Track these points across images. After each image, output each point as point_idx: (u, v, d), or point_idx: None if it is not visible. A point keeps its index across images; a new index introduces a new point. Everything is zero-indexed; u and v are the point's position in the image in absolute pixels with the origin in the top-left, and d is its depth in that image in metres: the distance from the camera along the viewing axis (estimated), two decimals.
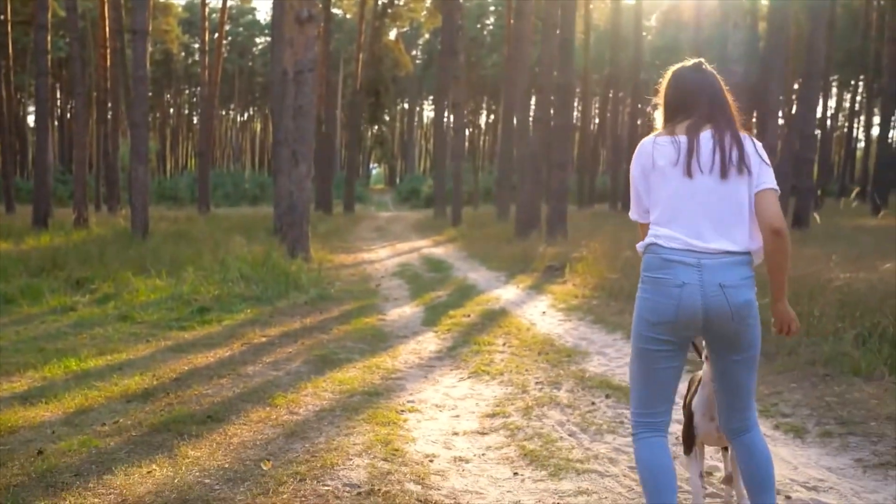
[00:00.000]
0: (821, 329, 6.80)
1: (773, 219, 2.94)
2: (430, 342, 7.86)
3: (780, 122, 39.80)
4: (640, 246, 3.08)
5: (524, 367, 6.61)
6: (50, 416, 5.06)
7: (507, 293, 11.36)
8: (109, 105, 29.93)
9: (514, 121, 23.60)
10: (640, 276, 3.03)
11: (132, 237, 17.09)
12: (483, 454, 4.44)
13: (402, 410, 5.29)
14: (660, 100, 3.17)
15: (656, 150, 3.01)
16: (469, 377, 6.35)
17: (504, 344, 7.61)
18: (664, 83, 3.15)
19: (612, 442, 4.64)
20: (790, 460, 4.34)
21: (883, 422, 4.93)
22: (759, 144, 3.03)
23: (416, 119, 78.45)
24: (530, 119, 23.73)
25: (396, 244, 21.64)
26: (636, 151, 3.09)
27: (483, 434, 4.83)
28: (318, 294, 10.73)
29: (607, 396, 5.61)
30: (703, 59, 3.13)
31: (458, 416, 5.25)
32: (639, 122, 36.93)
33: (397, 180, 72.44)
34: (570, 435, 4.76)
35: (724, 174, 2.93)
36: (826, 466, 4.26)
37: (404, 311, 9.84)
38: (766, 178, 2.97)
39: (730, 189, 2.94)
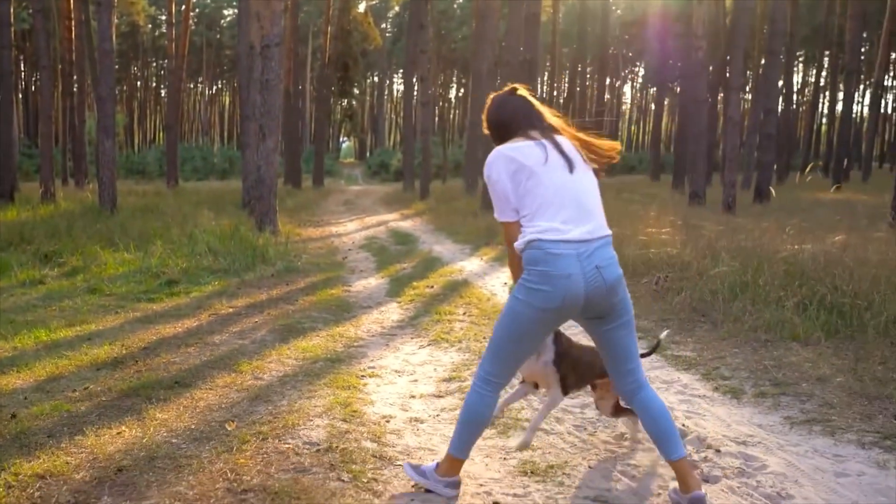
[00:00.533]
0: (764, 297, 7.12)
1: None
2: (393, 312, 8.10)
3: (749, 97, 40.30)
4: (519, 244, 3.30)
5: (482, 335, 6.87)
6: (21, 384, 5.24)
7: (470, 265, 11.62)
8: (75, 78, 29.63)
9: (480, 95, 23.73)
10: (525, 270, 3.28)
11: (100, 211, 17.11)
12: (437, 415, 4.70)
13: (363, 375, 5.54)
14: (490, 126, 3.51)
15: (519, 153, 3.30)
16: (429, 345, 6.61)
17: (464, 314, 7.86)
18: (489, 111, 3.51)
19: (560, 405, 4.90)
20: (725, 419, 4.64)
21: (813, 383, 5.25)
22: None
23: (387, 93, 78.30)
24: None
25: (365, 218, 21.80)
26: (493, 159, 3.34)
27: (439, 397, 5.09)
28: (285, 267, 10.91)
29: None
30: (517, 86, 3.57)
31: (416, 380, 5.51)
32: (606, 97, 37.23)
33: (367, 154, 72.37)
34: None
35: (578, 169, 3.36)
36: (757, 424, 4.56)
37: (369, 283, 10.06)
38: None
39: (588, 181, 3.39)
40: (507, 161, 3.29)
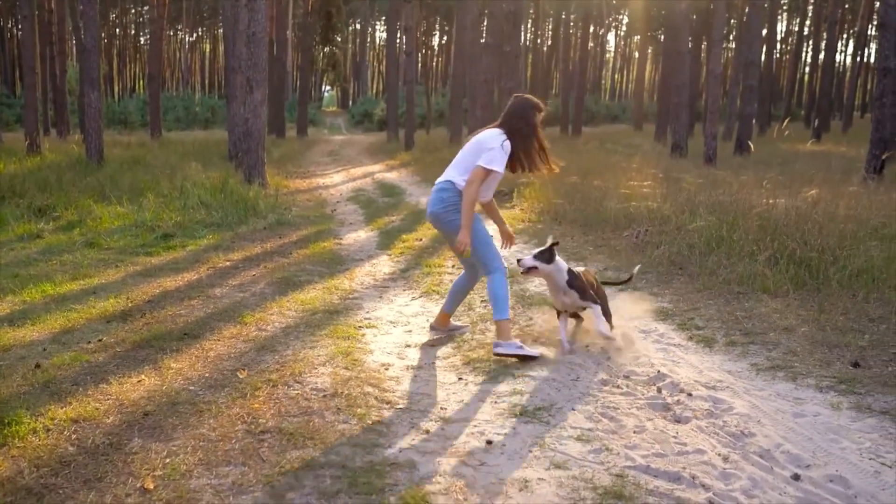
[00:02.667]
0: (738, 252, 7.50)
1: (471, 180, 5.11)
2: (384, 265, 8.43)
3: (732, 45, 40.35)
4: None
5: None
6: (38, 336, 5.55)
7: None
8: (55, 27, 29.40)
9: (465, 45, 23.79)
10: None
11: (88, 164, 17.25)
12: (432, 363, 5.07)
13: (360, 326, 5.89)
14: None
15: None
16: (421, 296, 6.96)
17: (453, 266, 8.20)
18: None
19: (545, 353, 5.28)
20: (697, 365, 5.03)
21: (780, 332, 5.65)
22: (494, 136, 5.14)
23: (369, 41, 77.64)
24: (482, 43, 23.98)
25: (350, 169, 22.03)
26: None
27: (433, 346, 5.45)
28: (276, 220, 11.20)
29: (544, 313, 6.25)
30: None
31: (410, 331, 5.86)
32: (590, 45, 37.26)
33: (350, 103, 72.04)
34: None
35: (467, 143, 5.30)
36: (727, 370, 4.95)
37: (359, 236, 10.38)
38: (482, 158, 5.08)
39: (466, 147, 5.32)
40: None
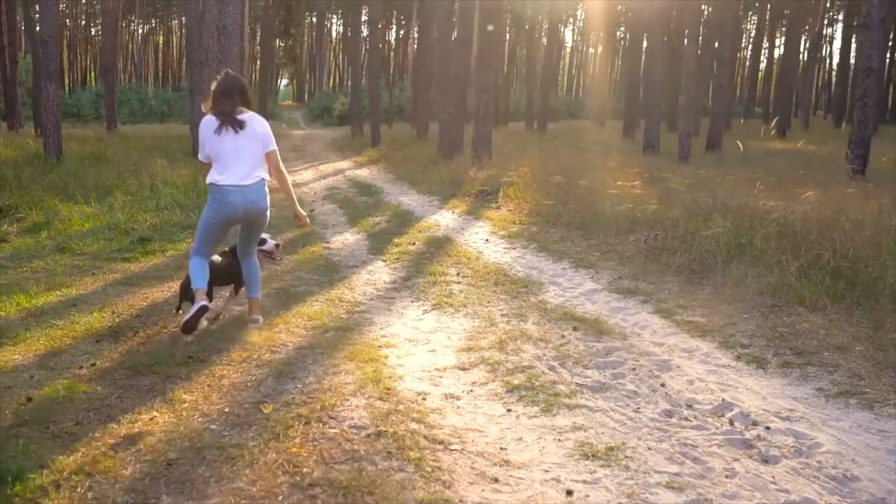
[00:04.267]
0: (765, 260, 7.13)
1: (277, 166, 5.55)
2: (382, 272, 7.91)
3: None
4: (208, 180, 5.45)
5: (484, 298, 6.74)
6: (21, 360, 4.95)
7: (444, 219, 11.45)
8: (4, 16, 28.19)
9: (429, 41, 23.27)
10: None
11: (46, 160, 16.42)
12: (471, 390, 4.58)
13: (379, 346, 5.37)
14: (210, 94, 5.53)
15: (207, 123, 5.41)
16: (432, 309, 6.46)
17: (458, 274, 7.73)
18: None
19: (592, 375, 4.83)
20: (758, 391, 4.62)
21: (834, 352, 5.27)
22: (263, 120, 5.53)
23: (325, 34, 76.57)
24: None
25: (318, 166, 21.41)
26: (204, 121, 5.46)
27: (464, 370, 4.96)
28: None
29: (575, 329, 5.81)
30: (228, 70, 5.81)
31: (433, 350, 5.37)
32: (543, 40, 37.00)
33: (306, 97, 70.96)
34: (550, 369, 4.93)
35: (240, 136, 5.32)
36: (792, 396, 4.54)
37: (347, 239, 9.84)
38: (270, 144, 5.49)
39: (249, 145, 5.36)
40: (206, 126, 5.43)
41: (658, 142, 22.38)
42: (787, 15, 40.21)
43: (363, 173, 19.04)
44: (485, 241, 9.70)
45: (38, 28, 27.65)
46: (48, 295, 6.73)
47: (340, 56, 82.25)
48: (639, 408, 4.34)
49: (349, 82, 75.12)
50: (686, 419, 4.19)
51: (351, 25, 33.02)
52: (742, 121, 48.07)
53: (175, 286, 7.15)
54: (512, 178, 14.19)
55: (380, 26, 50.84)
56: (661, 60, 23.60)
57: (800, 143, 28.05)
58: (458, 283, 7.37)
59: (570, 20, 77.70)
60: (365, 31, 29.60)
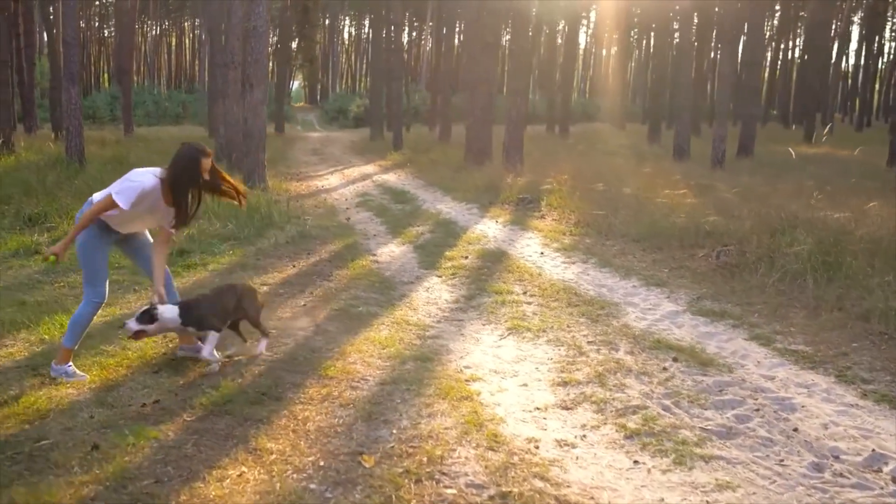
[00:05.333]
0: (862, 282, 6.61)
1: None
2: (440, 290, 7.42)
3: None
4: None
5: (562, 322, 6.24)
6: (76, 395, 4.48)
7: (489, 229, 10.94)
8: (21, 17, 27.77)
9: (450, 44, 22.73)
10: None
11: (68, 164, 15.97)
12: (584, 436, 4.08)
13: (466, 380, 4.87)
14: None
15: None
16: (508, 334, 5.96)
17: (525, 293, 7.22)
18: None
19: (713, 417, 4.33)
20: None
21: None
22: (141, 173, 4.83)
23: (337, 36, 76.18)
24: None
25: (343, 170, 20.92)
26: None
27: (568, 409, 4.46)
28: (298, 232, 10.11)
29: (675, 360, 5.30)
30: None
31: (525, 384, 4.87)
32: (559, 42, 36.50)
33: (318, 98, 70.51)
34: (664, 410, 4.42)
35: None
36: None
37: (393, 251, 9.35)
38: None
39: None
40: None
41: (689, 146, 21.82)
42: (804, 17, 39.65)
43: (391, 178, 18.54)
44: (539, 254, 9.19)
45: (53, 30, 27.27)
46: None
47: (353, 58, 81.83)
48: (782, 459, 3.83)
49: (361, 84, 74.88)
50: (841, 475, 3.68)
51: (372, 27, 32.47)
52: (760, 124, 47.45)
53: None
54: (552, 186, 13.70)
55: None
56: (691, 63, 23.06)
57: (827, 148, 27.58)
58: (528, 303, 6.86)
59: (584, 21, 77.07)
60: (368, 33, 29.02)
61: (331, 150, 28.74)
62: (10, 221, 10.17)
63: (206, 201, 11.01)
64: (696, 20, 29.51)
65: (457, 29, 34.93)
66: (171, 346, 5.48)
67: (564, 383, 4.87)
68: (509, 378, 4.98)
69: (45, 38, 34.01)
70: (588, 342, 5.72)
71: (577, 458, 3.81)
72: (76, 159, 16.36)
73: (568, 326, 6.12)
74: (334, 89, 70.21)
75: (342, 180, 18.30)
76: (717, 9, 19.95)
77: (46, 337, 5.65)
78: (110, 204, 4.66)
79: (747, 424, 4.25)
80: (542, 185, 14.21)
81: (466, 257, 8.88)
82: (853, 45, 61.23)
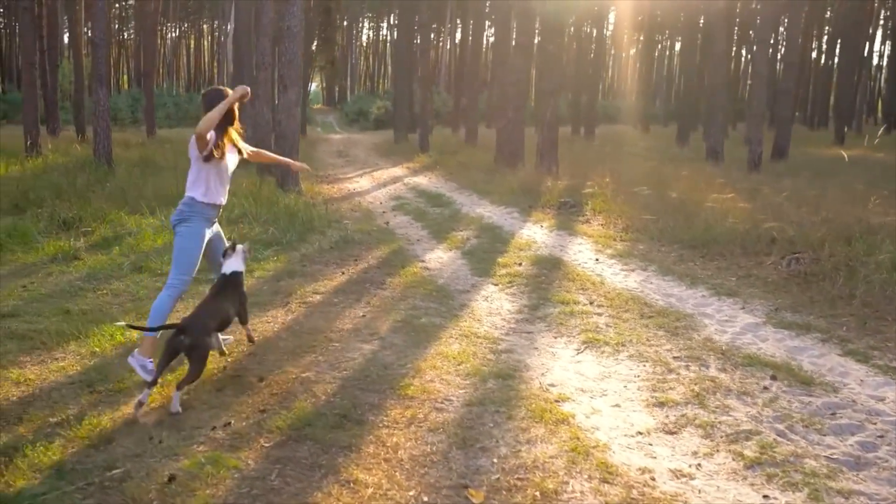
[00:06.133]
0: None
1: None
2: (500, 299, 7.06)
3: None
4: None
5: (640, 335, 5.87)
6: (137, 415, 4.15)
7: (536, 234, 10.57)
8: (45, 20, 27.61)
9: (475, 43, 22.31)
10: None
11: (97, 166, 15.75)
12: (699, 465, 3.71)
13: (556, 400, 4.51)
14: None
15: None
16: (585, 348, 5.59)
17: (591, 303, 6.85)
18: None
19: (835, 445, 3.96)
20: None
21: None
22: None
23: (356, 38, 75.99)
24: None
25: (372, 172, 20.60)
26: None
27: (672, 433, 4.09)
28: (341, 237, 9.78)
29: (773, 378, 4.92)
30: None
31: (617, 405, 4.50)
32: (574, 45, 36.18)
33: (336, 100, 70.30)
34: (780, 435, 4.05)
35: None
36: None
37: (441, 257, 8.99)
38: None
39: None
40: None
41: (722, 149, 21.39)
42: (829, 18, 39.07)
43: (422, 181, 18.19)
44: (595, 260, 8.82)
45: (77, 32, 27.11)
46: (140, 324, 5.93)
47: (371, 59, 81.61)
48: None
49: (379, 86, 74.59)
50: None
51: (397, 28, 32.13)
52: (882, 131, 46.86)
53: (278, 314, 6.39)
54: (593, 189, 13.32)
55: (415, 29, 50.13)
56: (728, 64, 22.63)
57: (862, 150, 27.03)
58: (598, 314, 6.49)
59: (605, 22, 76.31)
60: (388, 35, 28.68)
61: (355, 152, 28.44)
62: (45, 225, 9.88)
63: (246, 205, 10.79)
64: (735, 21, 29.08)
65: (485, 30, 34.59)
66: (230, 359, 5.16)
67: (661, 404, 4.50)
68: (599, 397, 4.62)
69: (66, 41, 33.86)
70: (673, 357, 5.35)
71: (699, 490, 3.45)
72: (104, 161, 16.15)
73: (647, 340, 5.75)
74: (353, 91, 69.95)
75: (373, 183, 17.97)
76: (755, 6, 19.47)
77: (98, 350, 5.35)
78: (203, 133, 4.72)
79: (874, 454, 3.87)
80: (582, 188, 13.84)
81: (520, 264, 8.52)
82: (876, 46, 60.61)
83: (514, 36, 20.58)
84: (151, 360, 4.68)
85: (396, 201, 14.38)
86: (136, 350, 4.79)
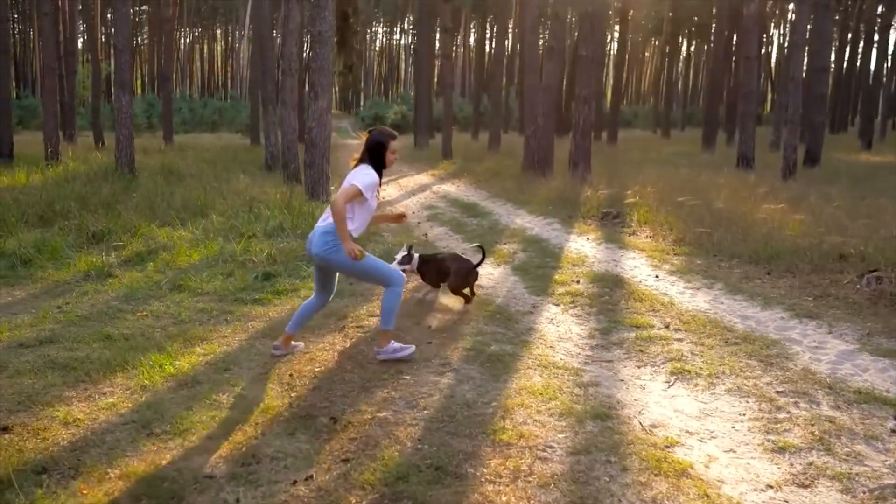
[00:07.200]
0: None
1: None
2: (567, 322, 6.61)
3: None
4: None
5: (732, 365, 5.41)
6: (206, 464, 3.72)
7: (584, 248, 10.11)
8: (62, 25, 27.33)
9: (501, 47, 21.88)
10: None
11: (120, 174, 15.39)
12: None
13: (667, 445, 4.06)
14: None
15: None
16: (675, 380, 5.14)
17: (667, 327, 6.39)
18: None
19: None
20: None
21: None
22: (360, 172, 5.28)
23: (369, 42, 75.69)
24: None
25: (398, 180, 20.22)
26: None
27: (805, 486, 3.64)
28: (383, 251, 9.33)
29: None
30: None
31: (732, 450, 4.05)
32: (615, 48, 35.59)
33: (352, 105, 69.98)
34: None
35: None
36: None
37: (491, 273, 8.56)
38: (346, 182, 5.24)
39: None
40: None
41: (753, 155, 20.91)
42: (849, 24, 38.47)
43: (451, 189, 17.76)
44: (654, 277, 8.37)
45: (84, 38, 26.78)
46: (188, 353, 5.54)
47: (384, 64, 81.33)
48: None
49: (394, 90, 74.24)
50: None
51: (418, 33, 31.71)
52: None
53: (335, 339, 5.95)
54: (635, 199, 12.87)
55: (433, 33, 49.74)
56: (756, 67, 22.15)
57: (891, 156, 26.51)
58: (679, 339, 6.04)
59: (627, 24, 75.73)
60: (403, 40, 28.29)
61: None
62: (74, 238, 9.50)
63: (283, 218, 10.39)
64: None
65: (507, 34, 34.08)
66: (293, 394, 4.73)
67: (781, 449, 4.05)
68: (708, 441, 4.17)
69: (79, 46, 33.53)
70: (777, 392, 4.89)
71: None
72: (127, 170, 15.81)
73: (741, 371, 5.29)
74: (367, 96, 69.61)
75: (400, 191, 17.56)
76: (790, 14, 18.99)
77: (148, 383, 4.92)
78: (355, 192, 5.10)
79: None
80: (621, 197, 13.39)
81: (578, 281, 8.07)
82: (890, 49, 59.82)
83: (546, 40, 20.16)
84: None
85: (429, 211, 13.96)
86: (378, 347, 5.48)
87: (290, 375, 5.09)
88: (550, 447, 3.98)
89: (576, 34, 28.24)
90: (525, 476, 3.63)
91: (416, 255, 7.16)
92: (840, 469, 3.81)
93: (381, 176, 5.34)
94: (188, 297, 7.20)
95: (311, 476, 3.62)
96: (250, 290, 7.48)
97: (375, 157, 5.33)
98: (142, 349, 5.59)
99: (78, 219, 10.31)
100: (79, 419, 4.33)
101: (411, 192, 17.40)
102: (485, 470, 3.69)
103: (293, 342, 5.68)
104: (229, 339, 5.98)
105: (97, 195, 12.37)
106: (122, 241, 9.36)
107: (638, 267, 8.92)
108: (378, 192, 5.38)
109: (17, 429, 4.16)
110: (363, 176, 5.18)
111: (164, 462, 3.77)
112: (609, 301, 7.28)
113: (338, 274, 5.57)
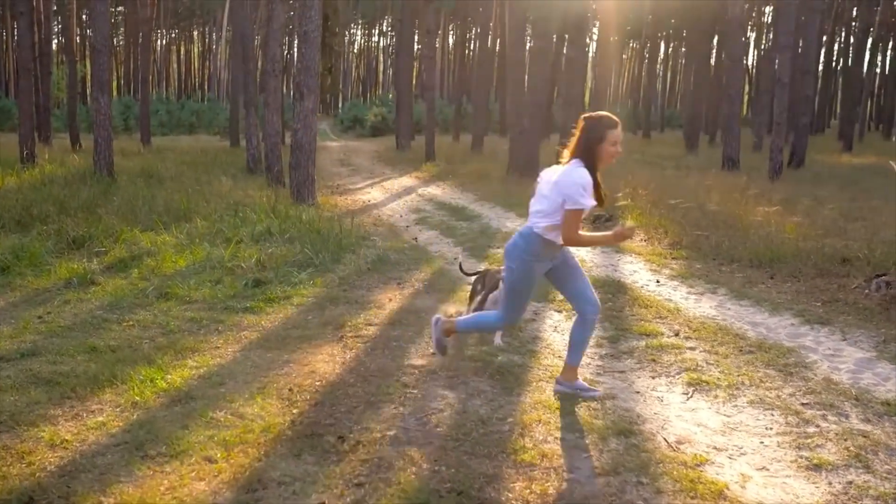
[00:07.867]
0: None
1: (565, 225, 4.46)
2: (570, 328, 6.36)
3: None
4: None
5: (750, 375, 5.19)
6: (209, 493, 3.45)
7: (579, 251, 9.79)
8: (38, 26, 26.81)
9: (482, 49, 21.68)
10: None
11: (98, 177, 14.99)
12: None
13: (696, 464, 3.83)
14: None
15: None
16: (693, 390, 4.92)
17: (677, 334, 6.18)
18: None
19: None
20: None
21: None
22: (568, 170, 4.45)
23: (348, 43, 75.33)
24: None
25: (382, 182, 19.91)
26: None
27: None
28: (377, 257, 9.07)
29: None
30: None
31: (765, 468, 3.83)
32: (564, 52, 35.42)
33: (330, 107, 69.58)
34: None
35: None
36: None
37: None
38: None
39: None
40: None
41: (738, 157, 20.84)
42: (835, 24, 38.66)
43: (437, 192, 17.49)
44: (656, 282, 8.16)
45: (60, 38, 26.34)
46: (179, 366, 5.25)
47: (362, 66, 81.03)
48: None
49: (372, 92, 73.95)
50: None
51: (400, 35, 31.48)
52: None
53: (334, 350, 5.68)
54: (627, 202, 12.67)
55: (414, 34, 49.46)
56: (742, 70, 22.10)
57: (872, 158, 26.57)
58: (690, 348, 5.82)
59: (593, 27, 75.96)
60: (382, 42, 28.02)
61: (358, 160, 27.72)
62: (53, 244, 9.14)
63: (270, 222, 10.11)
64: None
65: (488, 36, 33.87)
66: (295, 410, 4.46)
67: (816, 467, 3.83)
68: (738, 457, 3.95)
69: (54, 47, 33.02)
70: (802, 404, 4.68)
71: None
72: (106, 172, 15.43)
73: (761, 382, 5.08)
74: (346, 98, 69.22)
75: (385, 194, 17.27)
76: (767, 17, 18.94)
77: (139, 399, 4.62)
78: (579, 216, 4.41)
79: None
80: (613, 200, 13.17)
81: None
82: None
83: (530, 40, 19.99)
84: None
85: (417, 214, 13.70)
86: (561, 378, 4.84)
87: (290, 390, 4.81)
88: (576, 468, 3.74)
89: (554, 37, 28.20)
90: (554, 502, 3.39)
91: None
92: (883, 489, 3.60)
93: (594, 175, 4.39)
94: (176, 306, 6.90)
95: (324, 503, 3.36)
96: (240, 298, 7.18)
97: (589, 152, 4.39)
98: (130, 362, 5.29)
99: (57, 223, 9.96)
100: (66, 440, 4.04)
101: (397, 194, 17.13)
102: (510, 495, 3.44)
103: (580, 380, 4.89)
104: (222, 351, 5.69)
105: (76, 198, 12.00)
106: (104, 247, 9.03)
107: (637, 272, 8.72)
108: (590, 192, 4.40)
109: (1, 452, 3.86)
110: (574, 187, 4.31)
111: (161, 488, 3.50)
112: (613, 308, 7.05)
113: (578, 278, 4.89)
